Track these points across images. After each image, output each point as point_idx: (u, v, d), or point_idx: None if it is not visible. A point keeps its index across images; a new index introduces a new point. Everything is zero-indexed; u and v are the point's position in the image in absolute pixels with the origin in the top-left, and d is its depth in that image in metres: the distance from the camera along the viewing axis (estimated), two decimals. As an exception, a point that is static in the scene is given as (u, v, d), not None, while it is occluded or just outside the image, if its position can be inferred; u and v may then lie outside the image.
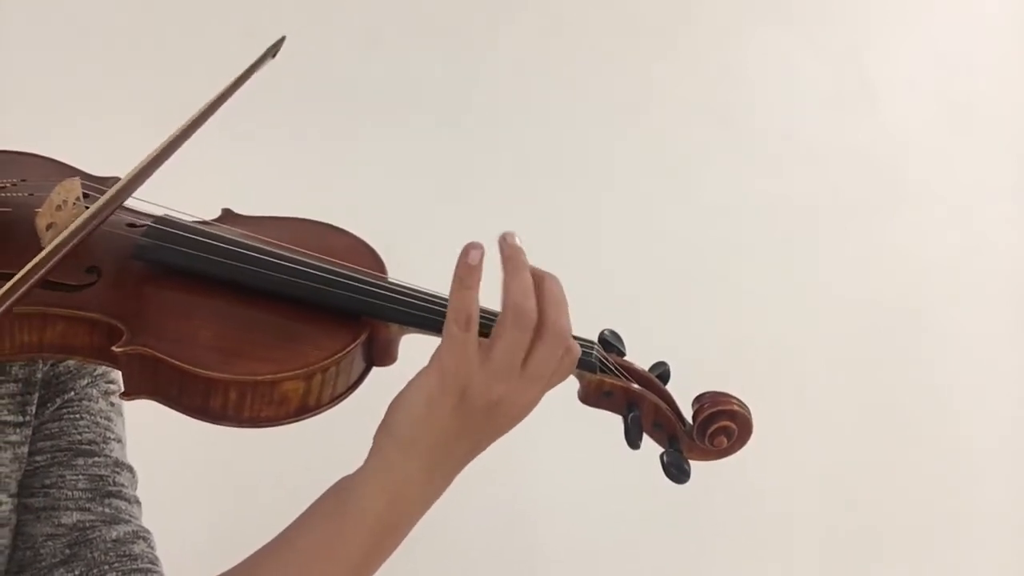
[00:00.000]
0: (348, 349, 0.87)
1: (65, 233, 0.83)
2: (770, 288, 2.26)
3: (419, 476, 0.89)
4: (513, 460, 1.97)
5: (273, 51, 1.02)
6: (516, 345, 0.87)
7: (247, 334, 0.87)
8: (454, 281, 0.86)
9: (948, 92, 2.37)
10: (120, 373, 0.88)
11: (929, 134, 2.36)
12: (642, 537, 2.21)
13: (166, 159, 0.90)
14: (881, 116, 2.34)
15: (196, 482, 1.91)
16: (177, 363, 0.84)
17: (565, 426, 2.04)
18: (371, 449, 0.90)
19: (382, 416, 0.90)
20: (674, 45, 2.25)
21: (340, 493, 0.90)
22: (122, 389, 0.89)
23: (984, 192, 2.40)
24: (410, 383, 0.88)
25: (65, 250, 0.82)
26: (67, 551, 0.94)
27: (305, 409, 0.87)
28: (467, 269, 0.86)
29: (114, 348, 0.84)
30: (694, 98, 2.24)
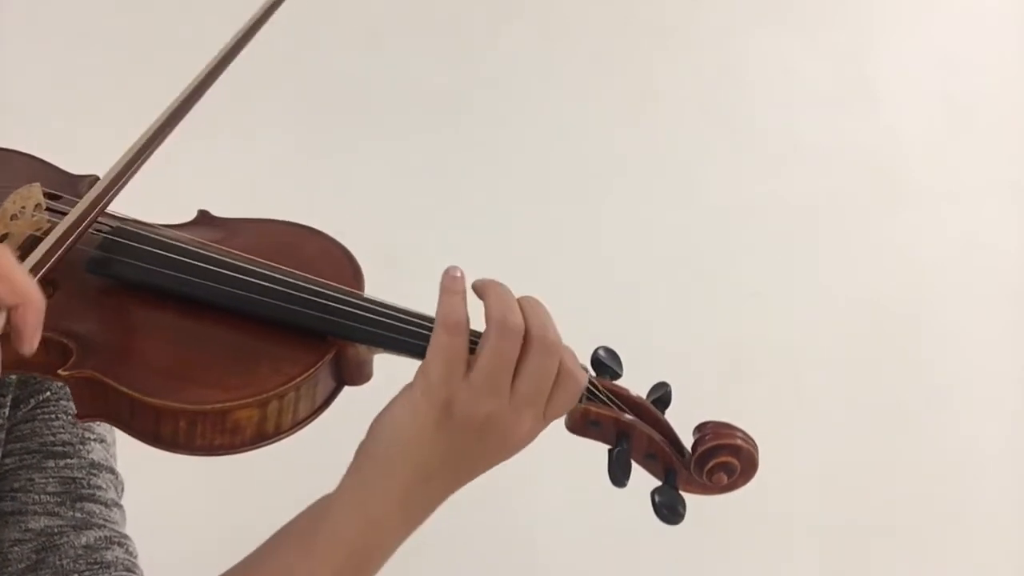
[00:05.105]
0: (308, 373, 0.82)
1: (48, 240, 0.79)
2: (770, 288, 2.26)
3: (396, 498, 0.84)
4: (511, 469, 1.97)
5: None
6: (502, 356, 0.83)
7: (200, 356, 0.82)
8: (441, 291, 0.83)
9: (948, 92, 2.37)
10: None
11: (929, 134, 2.36)
12: (640, 536, 2.20)
13: (169, 131, 0.88)
14: (881, 116, 2.34)
15: (178, 494, 1.88)
16: (124, 389, 0.79)
17: (562, 434, 2.04)
18: (349, 466, 0.85)
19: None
20: (674, 45, 2.25)
21: (315, 512, 0.87)
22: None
23: (984, 192, 2.39)
24: (395, 398, 0.84)
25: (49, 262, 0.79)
26: (34, 556, 0.91)
27: (263, 437, 0.82)
28: (451, 280, 0.83)
29: (60, 372, 0.79)
30: (694, 98, 2.24)
